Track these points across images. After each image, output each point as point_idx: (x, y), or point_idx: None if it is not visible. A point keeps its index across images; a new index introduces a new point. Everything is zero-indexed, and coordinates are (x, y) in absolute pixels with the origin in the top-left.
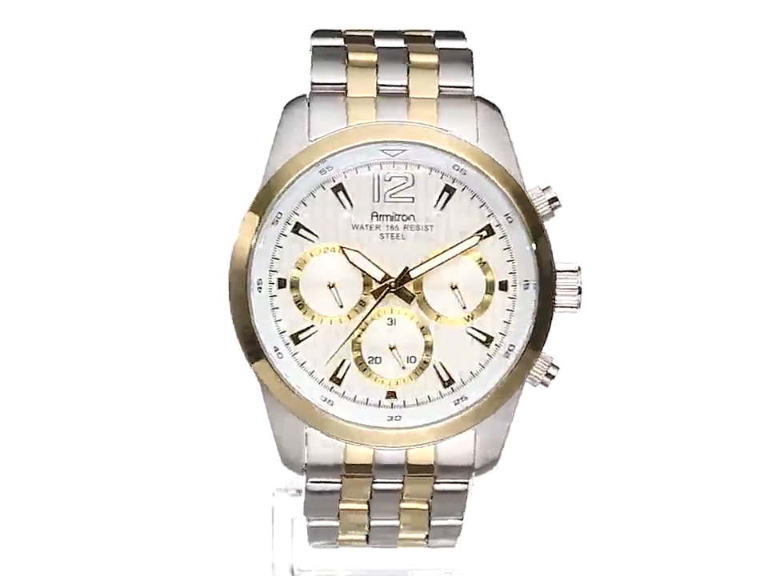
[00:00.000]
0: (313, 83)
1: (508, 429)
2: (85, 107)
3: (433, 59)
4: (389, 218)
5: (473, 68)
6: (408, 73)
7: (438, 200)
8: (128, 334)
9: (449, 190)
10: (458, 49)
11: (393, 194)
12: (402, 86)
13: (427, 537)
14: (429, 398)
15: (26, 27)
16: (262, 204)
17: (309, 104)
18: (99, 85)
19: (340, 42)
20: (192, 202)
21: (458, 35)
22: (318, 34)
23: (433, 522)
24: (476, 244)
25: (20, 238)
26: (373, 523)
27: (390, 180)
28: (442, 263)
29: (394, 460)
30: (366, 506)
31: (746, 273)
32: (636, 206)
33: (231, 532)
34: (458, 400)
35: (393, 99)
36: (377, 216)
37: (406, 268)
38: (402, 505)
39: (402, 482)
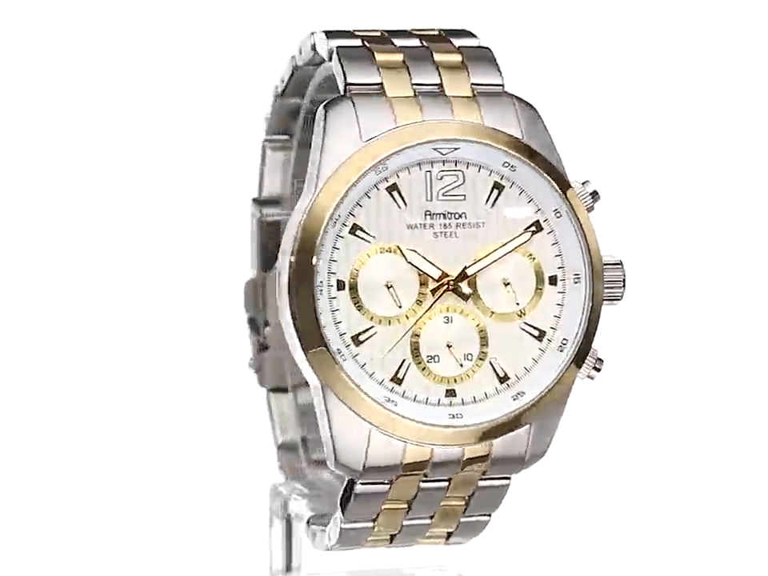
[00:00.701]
0: (349, 84)
1: (558, 423)
2: (100, 108)
3: (457, 58)
4: (441, 216)
5: (498, 65)
6: (439, 72)
7: (489, 197)
8: (127, 334)
9: (498, 187)
10: (479, 47)
11: (445, 192)
12: (435, 84)
13: (449, 534)
14: (486, 395)
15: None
16: None
17: (354, 104)
18: (115, 86)
19: (358, 42)
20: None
21: (468, 34)
22: (332, 35)
23: (463, 519)
24: (528, 240)
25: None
26: (406, 523)
27: (441, 179)
28: (496, 260)
29: (452, 458)
30: (406, 506)
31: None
32: (637, 204)
33: (231, 533)
34: (517, 395)
35: (433, 98)
36: (430, 215)
37: (465, 266)
38: (442, 503)
39: (450, 480)
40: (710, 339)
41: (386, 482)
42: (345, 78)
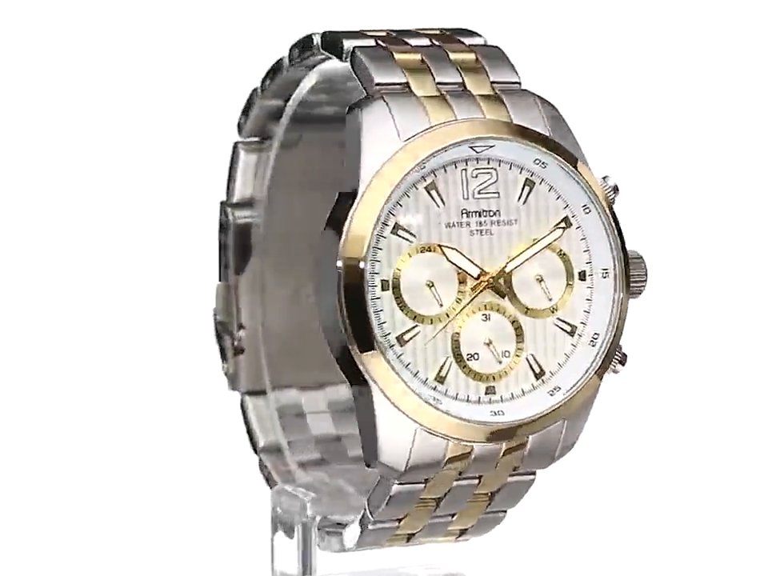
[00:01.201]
0: (377, 83)
1: (587, 417)
2: (106, 107)
3: (471, 56)
4: (477, 214)
5: (512, 63)
6: (459, 71)
7: (521, 194)
8: (127, 335)
9: (529, 184)
10: (490, 46)
11: (480, 190)
12: (458, 83)
13: (462, 531)
14: (523, 392)
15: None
16: None
17: (387, 104)
18: (125, 85)
19: (372, 42)
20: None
21: (472, 33)
22: (345, 35)
23: (482, 516)
24: (560, 236)
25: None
26: (429, 521)
27: (476, 177)
28: (531, 257)
29: (491, 455)
30: (434, 505)
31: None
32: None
33: (230, 533)
34: (553, 391)
35: (460, 97)
36: (466, 213)
37: (503, 263)
38: (468, 500)
39: (480, 477)
40: (714, 333)
41: (422, 481)
42: (373, 78)
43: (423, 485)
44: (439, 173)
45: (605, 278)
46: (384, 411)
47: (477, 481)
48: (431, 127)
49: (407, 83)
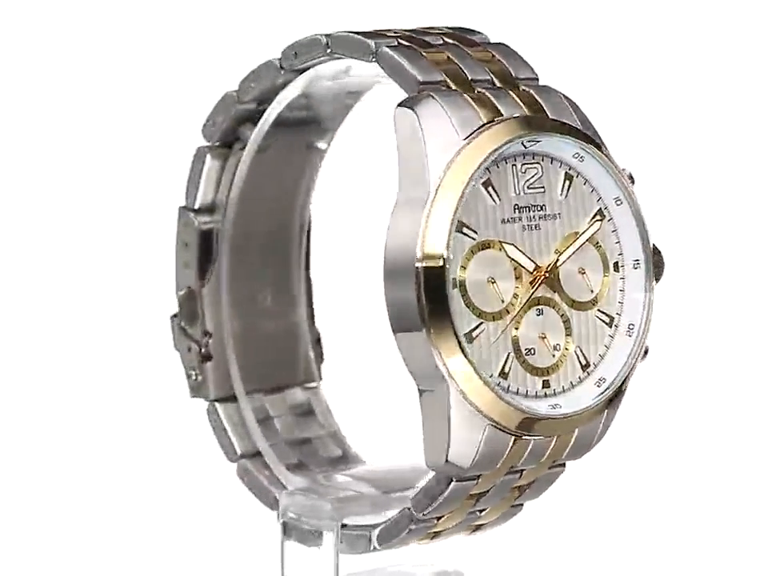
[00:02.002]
0: (422, 82)
1: (619, 407)
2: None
3: (486, 54)
4: (527, 209)
5: (525, 60)
6: (485, 68)
7: (562, 188)
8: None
9: (569, 178)
10: (497, 43)
11: (528, 185)
12: (487, 80)
13: (479, 526)
14: (572, 384)
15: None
16: None
17: (440, 103)
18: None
19: (394, 42)
20: None
21: (474, 31)
22: (366, 35)
23: (505, 510)
24: (599, 229)
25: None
26: (460, 519)
27: (525, 172)
28: (577, 250)
29: (545, 448)
30: (474, 501)
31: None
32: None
33: (229, 535)
34: (599, 382)
35: (497, 94)
36: (518, 208)
37: (555, 257)
38: (504, 495)
39: (523, 471)
40: (714, 330)
41: (476, 477)
42: (416, 77)
43: (476, 481)
44: (493, 169)
45: (636, 268)
46: (459, 409)
47: (519, 475)
48: (485, 125)
49: (445, 81)
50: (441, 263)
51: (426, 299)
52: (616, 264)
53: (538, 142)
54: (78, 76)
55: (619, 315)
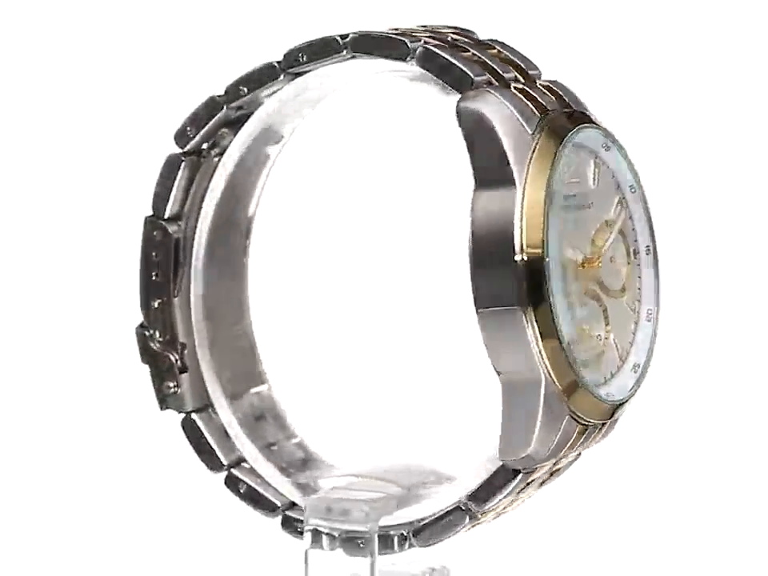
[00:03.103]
0: (474, 80)
1: None
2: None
3: (495, 51)
4: (570, 198)
5: (525, 55)
6: (506, 64)
7: (594, 178)
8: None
9: (598, 167)
10: (494, 40)
11: (570, 175)
12: (513, 77)
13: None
14: (612, 374)
15: None
16: None
17: (502, 98)
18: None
19: (421, 41)
20: None
21: (467, 29)
22: (405, 35)
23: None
24: (625, 217)
25: None
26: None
27: (567, 164)
28: (615, 238)
29: (592, 435)
30: (524, 487)
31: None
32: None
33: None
34: (635, 368)
35: (532, 88)
36: (565, 197)
37: (598, 248)
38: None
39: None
40: (714, 329)
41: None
42: (468, 74)
43: (537, 469)
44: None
45: (647, 254)
46: (548, 400)
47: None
48: (541, 119)
49: (488, 78)
50: (540, 252)
51: (528, 291)
52: (634, 251)
53: (578, 133)
54: (54, 77)
55: (639, 302)
